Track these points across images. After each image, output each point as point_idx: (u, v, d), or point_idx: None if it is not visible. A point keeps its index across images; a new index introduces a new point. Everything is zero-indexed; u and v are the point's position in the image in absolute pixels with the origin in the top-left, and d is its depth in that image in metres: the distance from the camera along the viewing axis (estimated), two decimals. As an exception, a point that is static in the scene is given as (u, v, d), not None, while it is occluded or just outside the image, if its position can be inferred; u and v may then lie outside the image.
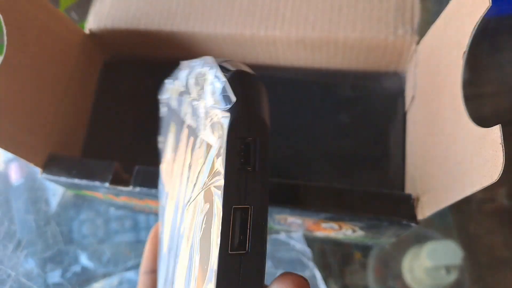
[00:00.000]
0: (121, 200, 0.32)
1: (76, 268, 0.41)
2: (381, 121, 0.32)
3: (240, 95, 0.15)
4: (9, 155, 0.48)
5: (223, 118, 0.15)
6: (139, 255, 0.42)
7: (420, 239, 0.38)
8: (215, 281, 0.14)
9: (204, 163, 0.16)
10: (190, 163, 0.19)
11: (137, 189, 0.27)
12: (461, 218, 0.38)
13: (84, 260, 0.41)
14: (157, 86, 0.37)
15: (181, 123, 0.21)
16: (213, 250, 0.15)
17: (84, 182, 0.28)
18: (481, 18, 0.19)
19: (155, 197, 0.29)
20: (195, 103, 0.18)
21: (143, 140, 0.36)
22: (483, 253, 0.37)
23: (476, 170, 0.18)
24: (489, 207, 0.39)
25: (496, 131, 0.17)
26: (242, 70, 0.16)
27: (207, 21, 0.32)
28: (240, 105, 0.15)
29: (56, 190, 0.45)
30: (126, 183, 0.28)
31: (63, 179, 0.29)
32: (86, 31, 0.34)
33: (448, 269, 0.35)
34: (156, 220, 0.44)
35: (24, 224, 0.42)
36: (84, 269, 0.41)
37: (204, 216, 0.15)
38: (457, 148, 0.21)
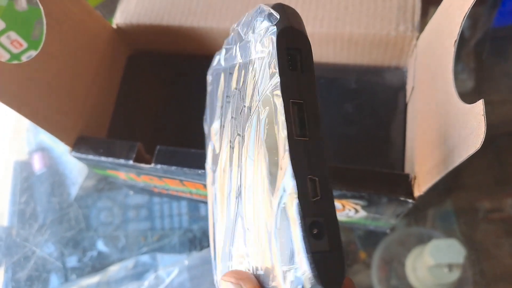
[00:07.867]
0: (142, 179, 0.35)
1: (93, 253, 0.43)
2: (383, 111, 0.34)
3: (284, 13, 0.17)
4: (32, 146, 0.51)
5: (271, 32, 0.17)
6: (153, 242, 0.44)
7: (423, 239, 0.39)
8: (290, 162, 0.16)
9: (259, 75, 0.18)
10: (245, 92, 0.20)
11: (158, 166, 0.30)
12: (467, 226, 0.39)
13: (101, 246, 0.44)
14: (177, 77, 0.40)
15: (229, 73, 0.23)
16: (280, 142, 0.16)
17: (110, 159, 0.31)
18: (470, 9, 0.22)
19: (174, 175, 0.31)
20: (245, 42, 0.20)
21: (163, 125, 0.39)
22: (487, 261, 0.38)
23: (462, 142, 0.21)
24: (496, 216, 0.40)
25: (479, 105, 0.19)
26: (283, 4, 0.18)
27: (224, 18, 0.35)
28: (285, 21, 0.17)
29: (76, 179, 0.48)
30: (148, 161, 0.30)
31: (90, 157, 0.32)
32: (114, 26, 0.37)
33: (450, 267, 0.36)
34: (169, 207, 0.47)
35: (48, 206, 0.45)
36: (100, 254, 0.43)
37: (266, 119, 0.17)
38: (447, 126, 0.23)
